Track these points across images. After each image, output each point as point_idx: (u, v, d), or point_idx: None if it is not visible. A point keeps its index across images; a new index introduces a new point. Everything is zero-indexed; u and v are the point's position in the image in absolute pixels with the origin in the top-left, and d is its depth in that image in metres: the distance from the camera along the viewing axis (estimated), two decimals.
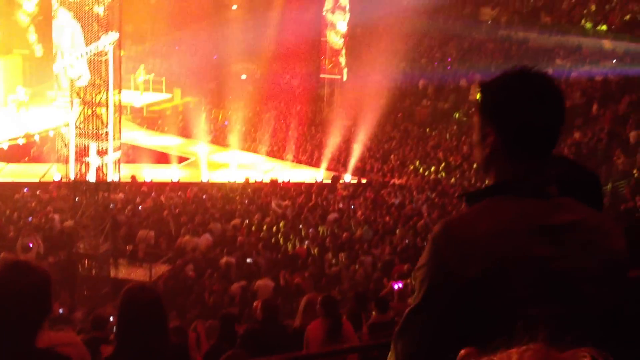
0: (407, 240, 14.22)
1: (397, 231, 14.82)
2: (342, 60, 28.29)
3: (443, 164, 21.40)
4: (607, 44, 25.54)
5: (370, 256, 13.35)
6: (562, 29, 27.38)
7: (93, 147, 18.83)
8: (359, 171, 21.46)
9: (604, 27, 26.65)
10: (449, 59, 29.77)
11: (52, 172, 19.57)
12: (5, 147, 22.40)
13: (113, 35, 18.05)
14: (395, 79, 27.26)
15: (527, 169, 1.69)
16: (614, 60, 24.27)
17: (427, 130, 25.15)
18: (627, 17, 26.28)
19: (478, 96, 1.82)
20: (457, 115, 25.31)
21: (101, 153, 18.97)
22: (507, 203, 1.66)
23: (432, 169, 21.13)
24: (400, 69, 27.65)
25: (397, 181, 19.87)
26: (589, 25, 27.25)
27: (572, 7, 28.71)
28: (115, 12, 18.73)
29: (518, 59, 26.97)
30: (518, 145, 1.70)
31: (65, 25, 18.33)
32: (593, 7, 27.81)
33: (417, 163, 21.68)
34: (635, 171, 17.11)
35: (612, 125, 19.86)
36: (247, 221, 15.86)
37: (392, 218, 16.07)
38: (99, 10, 18.29)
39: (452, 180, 20.03)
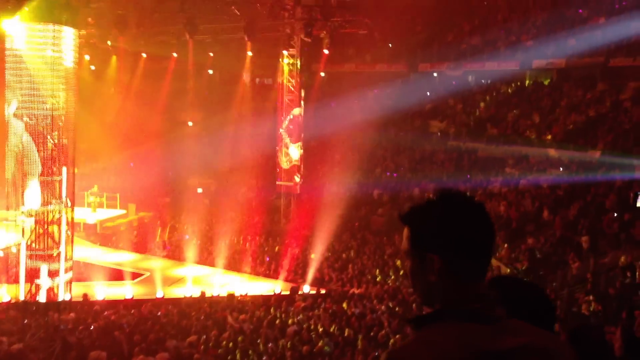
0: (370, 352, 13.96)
1: (359, 343, 14.57)
2: (297, 175, 28.75)
3: (401, 272, 21.46)
4: (552, 152, 26.64)
5: None
6: (508, 139, 28.54)
7: (44, 268, 18.44)
8: (317, 281, 21.31)
9: (549, 137, 27.90)
10: (401, 169, 30.59)
11: (1, 294, 18.90)
12: None
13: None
14: (351, 188, 27.78)
15: (472, 292, 1.71)
16: (560, 168, 25.23)
17: (384, 238, 25.37)
18: (570, 126, 27.64)
19: (408, 230, 1.88)
20: None
21: (52, 274, 18.56)
22: (450, 330, 1.67)
23: (392, 277, 21.13)
24: (355, 179, 28.23)
25: (356, 291, 19.75)
26: (533, 136, 28.51)
27: (516, 118, 30.12)
28: (70, 131, 18.95)
29: (469, 167, 27.92)
30: (464, 265, 1.74)
31: (18, 144, 18.35)
32: (537, 119, 29.24)
33: (376, 272, 21.68)
34: (589, 275, 17.39)
35: (564, 230, 20.35)
36: (204, 337, 15.41)
37: (352, 329, 15.84)
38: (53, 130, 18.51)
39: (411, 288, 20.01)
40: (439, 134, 32.00)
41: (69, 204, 18.64)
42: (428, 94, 33.44)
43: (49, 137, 18.30)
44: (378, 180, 29.52)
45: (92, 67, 33.83)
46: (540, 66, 30.87)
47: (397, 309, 17.49)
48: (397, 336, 15.11)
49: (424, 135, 31.56)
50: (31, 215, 18.37)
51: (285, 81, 28.96)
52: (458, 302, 1.70)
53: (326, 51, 31.88)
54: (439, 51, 33.88)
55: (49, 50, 18.02)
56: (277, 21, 27.57)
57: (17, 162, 18.30)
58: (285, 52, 28.74)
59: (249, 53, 31.94)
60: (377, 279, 21.08)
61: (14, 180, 18.42)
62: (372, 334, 15.22)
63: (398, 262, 22.45)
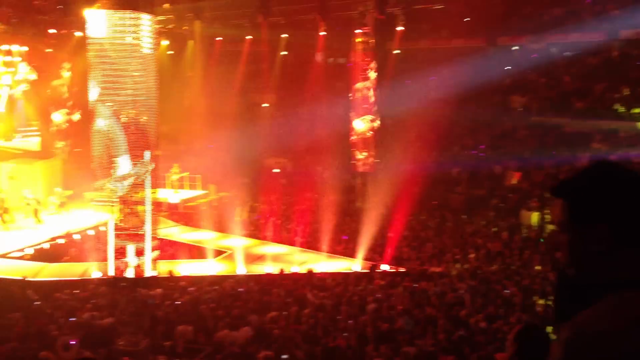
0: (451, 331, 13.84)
1: (440, 321, 14.46)
2: (372, 151, 28.64)
3: (482, 251, 21.14)
4: None
5: (414, 347, 12.98)
6: (595, 113, 27.47)
7: (131, 248, 19.18)
8: (395, 260, 21.24)
9: (638, 110, 26.69)
10: (482, 146, 29.96)
11: (92, 270, 19.74)
12: (47, 247, 22.80)
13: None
14: (428, 166, 27.45)
15: None
16: None
17: (464, 217, 24.99)
18: None
19: (564, 202, 1.82)
20: (493, 202, 25.23)
21: (139, 252, 19.27)
22: (636, 299, 1.63)
23: (472, 256, 20.84)
24: (432, 157, 27.87)
25: (435, 269, 19.59)
26: (622, 109, 27.33)
27: (603, 91, 28.93)
28: (152, 115, 19.51)
29: (554, 143, 27.07)
30: (635, 232, 1.69)
31: (104, 128, 19.02)
32: (626, 91, 27.98)
33: (456, 250, 21.42)
34: None
35: None
36: (285, 313, 15.64)
37: (433, 307, 15.74)
38: (135, 115, 19.09)
39: (493, 267, 19.70)
40: (520, 109, 31.13)
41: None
42: (508, 68, 32.53)
43: (131, 121, 18.90)
44: (456, 158, 29.05)
45: (170, 52, 34.62)
46: (628, 36, 29.45)
47: (478, 287, 17.25)
48: (479, 315, 14.95)
49: (505, 111, 30.79)
50: (118, 196, 19.08)
51: (358, 60, 28.81)
52: (632, 271, 1.65)
53: (400, 28, 31.52)
54: (518, 23, 32.79)
55: (128, 37, 18.54)
56: (350, 0, 27.39)
57: (104, 146, 18.97)
58: (358, 31, 28.54)
59: (322, 33, 31.90)
60: (457, 258, 20.84)
61: (101, 162, 19.12)
62: (453, 312, 15.08)
63: (479, 241, 22.14)
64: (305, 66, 35.10)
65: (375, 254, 22.00)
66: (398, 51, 33.39)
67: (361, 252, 22.11)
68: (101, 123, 18.77)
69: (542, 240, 22.23)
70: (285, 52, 37.91)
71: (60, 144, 31.56)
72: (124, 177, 18.75)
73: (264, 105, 37.99)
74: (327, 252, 22.82)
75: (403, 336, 13.80)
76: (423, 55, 33.69)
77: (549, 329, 4.13)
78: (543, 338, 3.61)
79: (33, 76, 31.16)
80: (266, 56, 35.33)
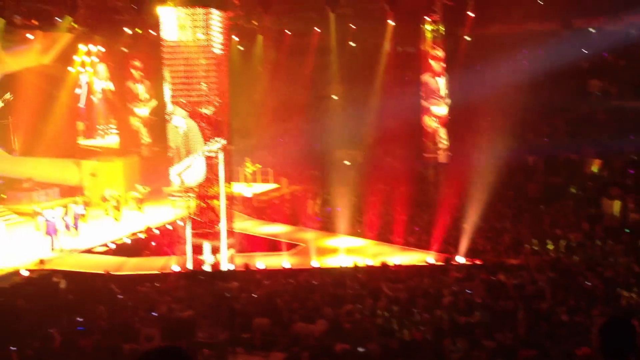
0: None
1: (519, 314, 14.14)
2: (444, 141, 28.23)
3: (562, 242, 20.53)
4: None
5: (493, 341, 12.75)
6: None
7: (207, 246, 19.63)
8: (471, 252, 20.89)
9: None
10: (557, 133, 29.07)
11: (171, 264, 20.27)
12: (128, 242, 23.59)
13: (221, 141, 19.07)
14: (502, 155, 26.82)
15: None
16: None
17: (542, 207, 24.32)
18: None
19: None
20: (572, 190, 24.40)
21: (215, 246, 19.70)
22: None
23: (551, 247, 20.26)
24: (507, 146, 27.21)
25: (513, 261, 19.15)
26: None
27: None
28: (224, 111, 19.83)
29: (634, 128, 25.98)
30: None
31: (180, 125, 19.49)
32: None
33: (534, 242, 20.86)
34: None
35: None
36: (359, 306, 15.64)
37: (511, 300, 15.40)
38: (208, 111, 19.45)
39: (575, 258, 19.10)
40: (599, 93, 29.99)
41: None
42: (584, 51, 31.36)
43: (205, 116, 19.26)
44: (531, 146, 28.27)
45: (240, 47, 35.05)
46: None
47: (560, 280, 16.76)
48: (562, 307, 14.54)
49: (582, 96, 29.73)
50: (194, 191, 19.52)
51: (428, 48, 28.40)
52: None
53: (471, 13, 30.86)
54: (595, 4, 31.51)
55: (199, 33, 18.88)
56: None
57: (179, 142, 19.42)
58: (427, 18, 28.12)
59: (390, 22, 31.59)
60: (536, 249, 20.31)
61: (177, 159, 19.60)
62: (533, 305, 14.71)
63: (558, 232, 21.50)
64: (374, 56, 34.85)
65: (449, 245, 21.70)
66: (469, 37, 32.72)
67: (435, 244, 21.86)
68: (176, 120, 19.23)
69: (626, 230, 21.42)
70: (353, 43, 37.76)
71: (146, 140, 32.59)
72: (196, 172, 19.17)
73: (333, 97, 37.99)
74: (401, 244, 22.66)
75: (481, 330, 13.57)
76: (495, 40, 32.84)
77: (635, 322, 3.99)
78: (629, 332, 3.51)
79: (109, 84, 32.30)
80: (334, 48, 35.28)
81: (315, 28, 34.63)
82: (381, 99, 33.01)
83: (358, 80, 35.61)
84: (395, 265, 19.75)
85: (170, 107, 19.59)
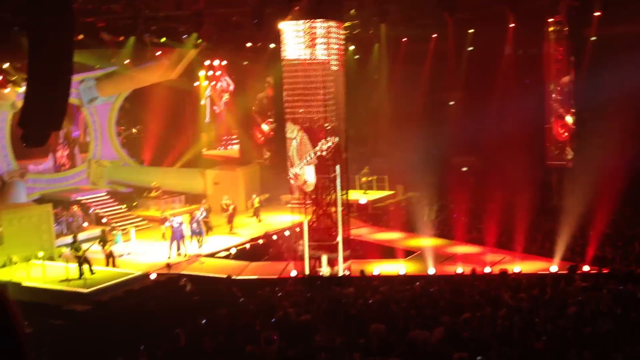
0: None
1: None
2: (570, 148, 27.09)
3: None
4: None
5: (621, 354, 12.07)
6: None
7: (323, 252, 19.94)
8: (598, 260, 19.88)
9: None
10: None
11: (289, 269, 20.74)
12: (248, 247, 24.41)
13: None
14: (631, 160, 25.37)
15: None
16: None
17: None
18: None
19: None
20: None
21: (331, 257, 19.96)
22: None
23: None
24: (636, 150, 25.73)
25: None
26: None
27: None
28: (340, 121, 20.12)
29: None
30: None
31: (294, 137, 19.99)
32: None
33: None
34: None
35: None
36: (478, 314, 15.29)
37: None
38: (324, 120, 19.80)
39: None
40: None
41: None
42: None
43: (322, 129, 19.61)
44: None
45: (357, 57, 35.38)
46: None
47: None
48: None
49: None
50: (311, 199, 19.89)
51: (551, 50, 27.41)
52: None
53: (597, 13, 29.49)
54: None
55: (318, 47, 19.28)
56: None
57: (295, 153, 19.87)
58: (550, 20, 27.15)
59: (511, 25, 30.77)
60: None
61: (292, 167, 20.06)
62: None
63: None
64: (494, 60, 34.06)
65: (574, 254, 20.77)
66: (595, 38, 31.24)
67: (559, 252, 20.99)
68: (292, 133, 19.69)
69: None
70: (472, 48, 37.12)
71: (266, 155, 33.81)
72: (309, 179, 19.54)
73: (450, 103, 37.49)
74: (522, 252, 21.95)
75: (608, 341, 12.88)
76: (622, 40, 31.17)
77: None
78: None
79: (230, 95, 33.63)
80: (452, 53, 34.82)
81: (433, 34, 34.36)
82: (501, 104, 32.18)
83: (477, 85, 34.92)
84: (516, 274, 19.16)
85: (288, 120, 20.12)
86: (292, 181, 20.30)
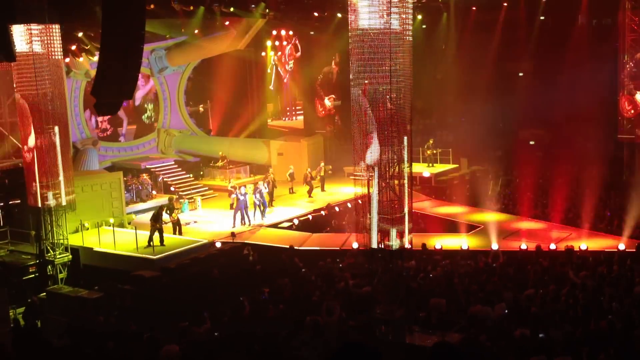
0: None
1: None
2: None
3: None
4: None
5: None
6: None
7: (385, 225, 19.88)
8: None
9: None
10: None
11: (351, 241, 20.90)
12: (310, 218, 24.69)
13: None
14: None
15: None
16: None
17: None
18: None
19: None
20: None
21: (393, 229, 19.91)
22: None
23: None
24: None
25: None
26: None
27: None
28: (406, 92, 19.90)
29: None
30: None
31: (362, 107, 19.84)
32: None
33: None
34: None
35: None
36: (541, 291, 15.11)
37: None
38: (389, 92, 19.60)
39: None
40: None
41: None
42: None
43: (387, 97, 19.41)
44: None
45: (424, 26, 34.82)
46: None
47: None
48: None
49: None
50: (374, 171, 19.85)
51: (627, 20, 26.31)
52: None
53: None
54: None
55: (384, 13, 18.96)
56: None
57: (358, 121, 19.76)
58: None
59: None
60: None
61: (356, 138, 19.99)
62: None
63: None
64: (566, 30, 32.94)
65: None
66: None
67: (627, 230, 20.42)
68: (355, 102, 19.57)
69: None
70: (543, 17, 35.96)
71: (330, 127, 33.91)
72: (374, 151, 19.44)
73: (519, 74, 36.55)
74: (589, 229, 21.45)
75: None
76: None
77: None
78: None
79: (295, 63, 33.64)
80: (523, 22, 33.84)
81: (504, 3, 33.45)
82: (572, 76, 31.19)
83: (548, 56, 33.93)
84: (582, 251, 18.78)
85: (353, 90, 20.02)
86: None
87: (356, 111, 19.96)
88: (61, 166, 19.63)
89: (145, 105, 33.11)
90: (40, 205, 19.69)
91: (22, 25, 18.42)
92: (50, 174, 19.53)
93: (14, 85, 19.49)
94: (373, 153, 20.00)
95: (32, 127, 19.24)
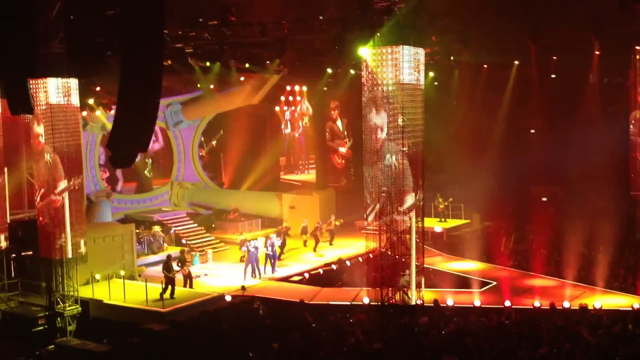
0: None
1: None
2: None
3: None
4: None
5: None
6: None
7: (397, 280, 19.75)
8: None
9: None
10: None
11: (362, 296, 20.73)
12: (321, 272, 24.56)
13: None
14: None
15: None
16: None
17: None
18: None
19: None
20: None
21: (405, 284, 19.78)
22: None
23: None
24: None
25: None
26: None
27: None
28: (418, 147, 20.01)
29: None
30: None
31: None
32: None
33: None
34: None
35: None
36: (555, 350, 14.84)
37: None
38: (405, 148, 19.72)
39: None
40: None
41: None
42: None
43: (400, 150, 19.52)
44: None
45: (436, 83, 35.22)
46: None
47: None
48: None
49: None
50: (386, 225, 19.81)
51: (638, 79, 26.55)
52: None
53: None
54: None
55: (399, 70, 19.22)
56: (629, 15, 25.33)
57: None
58: (637, 47, 26.33)
59: (597, 52, 29.97)
60: None
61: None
62: None
63: None
64: (577, 88, 33.20)
65: None
66: None
67: None
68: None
69: None
70: (555, 75, 36.29)
71: (343, 181, 34.08)
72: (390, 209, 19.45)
73: (532, 131, 36.72)
74: (603, 287, 21.16)
75: None
76: None
77: None
78: None
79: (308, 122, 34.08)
80: (535, 80, 34.17)
81: (515, 61, 33.83)
82: (584, 133, 31.31)
83: (559, 113, 34.14)
84: (596, 309, 18.50)
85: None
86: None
87: (368, 164, 20.12)
88: (74, 218, 19.82)
89: (146, 161, 33.55)
90: (51, 257, 19.78)
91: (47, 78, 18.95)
92: (63, 226, 19.68)
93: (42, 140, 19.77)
94: (386, 207, 20.05)
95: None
